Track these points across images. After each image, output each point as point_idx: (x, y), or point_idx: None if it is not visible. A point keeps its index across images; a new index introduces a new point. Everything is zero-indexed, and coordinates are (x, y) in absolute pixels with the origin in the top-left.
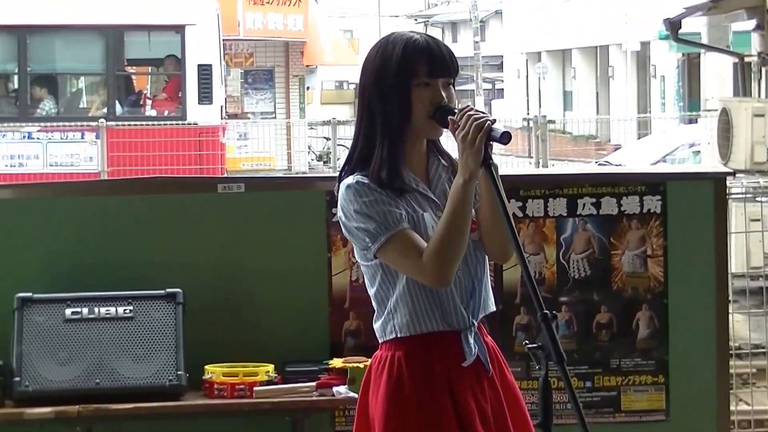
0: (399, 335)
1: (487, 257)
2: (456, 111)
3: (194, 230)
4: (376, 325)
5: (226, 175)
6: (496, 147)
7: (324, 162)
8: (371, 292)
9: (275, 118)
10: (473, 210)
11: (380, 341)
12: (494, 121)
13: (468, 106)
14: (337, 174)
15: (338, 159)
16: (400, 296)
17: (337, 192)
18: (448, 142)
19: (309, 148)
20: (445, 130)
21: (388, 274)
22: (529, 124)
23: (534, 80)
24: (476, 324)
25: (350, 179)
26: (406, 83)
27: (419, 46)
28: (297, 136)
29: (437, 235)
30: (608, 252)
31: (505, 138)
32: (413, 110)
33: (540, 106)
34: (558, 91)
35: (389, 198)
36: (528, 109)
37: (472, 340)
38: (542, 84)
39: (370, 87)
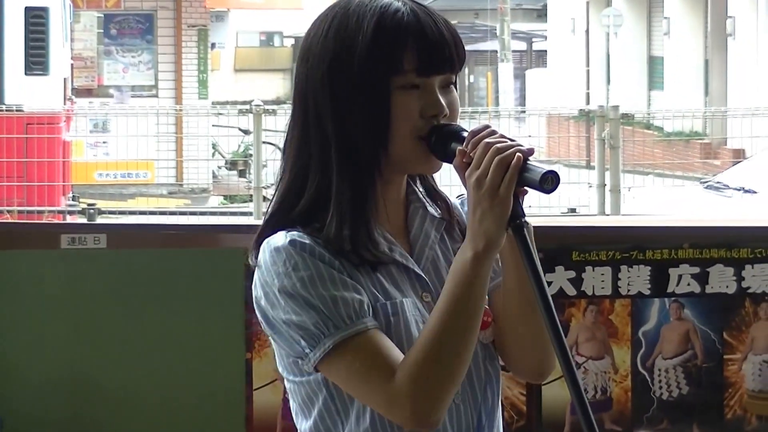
0: None
1: (500, 372)
2: (465, 135)
3: (17, 315)
4: None
5: (71, 215)
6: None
7: (240, 173)
8: (303, 426)
9: (156, 96)
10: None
11: None
12: (530, 152)
13: (486, 127)
14: (261, 221)
15: (264, 167)
16: None
17: (255, 256)
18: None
19: (214, 147)
20: (445, 164)
21: (336, 398)
22: (589, 116)
23: (599, 38)
24: None
25: (280, 237)
26: (383, 83)
27: (403, 20)
28: (194, 128)
29: (425, 340)
30: (719, 356)
31: (550, 183)
32: (393, 130)
33: (608, 84)
34: (640, 57)
35: (344, 273)
36: (588, 88)
37: None
38: (613, 44)
39: (318, 87)
